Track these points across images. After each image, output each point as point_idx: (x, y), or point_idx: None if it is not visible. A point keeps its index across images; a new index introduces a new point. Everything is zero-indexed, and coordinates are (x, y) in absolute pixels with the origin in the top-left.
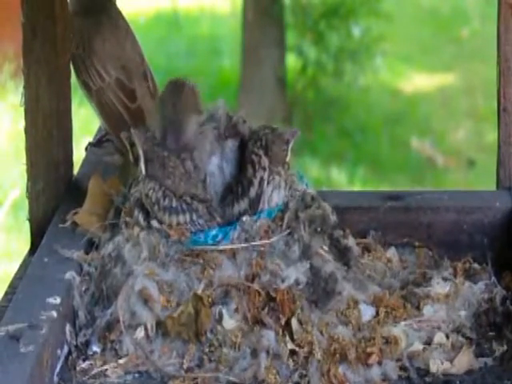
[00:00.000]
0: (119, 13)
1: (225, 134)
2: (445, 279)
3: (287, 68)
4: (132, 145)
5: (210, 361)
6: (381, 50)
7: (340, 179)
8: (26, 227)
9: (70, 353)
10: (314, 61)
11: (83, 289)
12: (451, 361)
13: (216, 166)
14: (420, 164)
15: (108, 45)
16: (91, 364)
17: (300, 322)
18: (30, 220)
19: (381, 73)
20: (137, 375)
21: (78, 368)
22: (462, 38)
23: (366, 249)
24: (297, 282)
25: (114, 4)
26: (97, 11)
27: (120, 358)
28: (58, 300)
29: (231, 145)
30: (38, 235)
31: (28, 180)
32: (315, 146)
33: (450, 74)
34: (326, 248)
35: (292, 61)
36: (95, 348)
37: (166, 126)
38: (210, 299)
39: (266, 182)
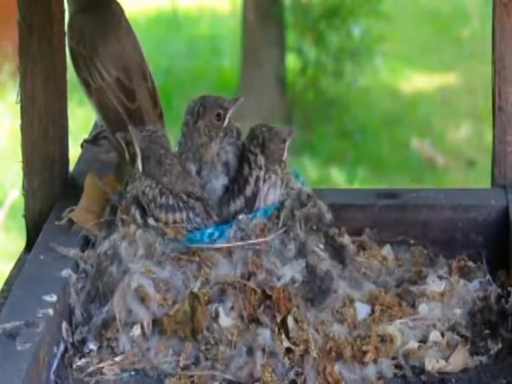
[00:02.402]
0: (121, 10)
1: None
2: (440, 277)
3: (287, 68)
4: (128, 144)
5: (207, 359)
6: (381, 50)
7: (340, 179)
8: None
9: (66, 350)
10: (314, 61)
11: (79, 286)
12: (446, 359)
13: (221, 185)
14: (420, 164)
15: (109, 43)
16: (87, 362)
17: (296, 320)
18: (26, 217)
19: (381, 73)
20: (133, 373)
21: (74, 366)
22: (462, 38)
23: (362, 247)
24: (293, 281)
25: (116, 1)
26: (99, 8)
27: (116, 355)
28: (54, 298)
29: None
30: (33, 232)
31: (24, 177)
32: (315, 146)
33: (450, 74)
34: (321, 246)
35: (292, 61)
36: (91, 346)
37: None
38: (206, 297)
39: (262, 181)
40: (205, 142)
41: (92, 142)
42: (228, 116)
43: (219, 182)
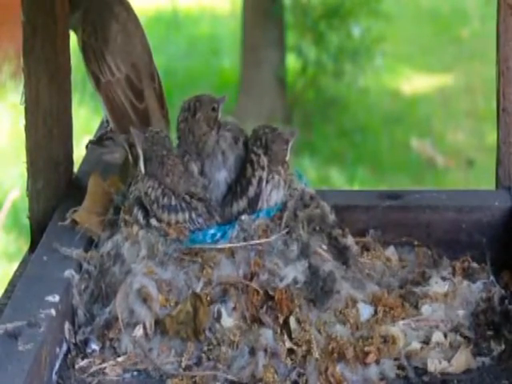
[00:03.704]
0: (129, 5)
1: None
2: (443, 278)
3: (287, 68)
4: (131, 145)
5: (209, 359)
6: (381, 50)
7: (340, 180)
8: (25, 228)
9: (68, 351)
10: (314, 61)
11: (82, 287)
12: (449, 360)
13: (223, 178)
14: (420, 164)
15: (120, 38)
16: (90, 362)
17: (298, 321)
18: (30, 218)
19: (381, 73)
20: (135, 373)
21: (76, 366)
22: (462, 38)
23: (365, 248)
24: (295, 281)
25: None
26: (110, 2)
27: (119, 356)
28: (56, 298)
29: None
30: (37, 233)
31: (28, 178)
32: (315, 146)
33: (450, 75)
34: (324, 247)
35: (292, 61)
36: (94, 346)
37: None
38: (208, 298)
39: (264, 182)
40: (206, 131)
41: (97, 142)
42: (220, 109)
43: (221, 175)
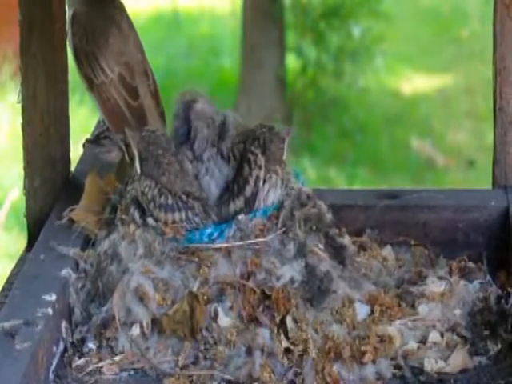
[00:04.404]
0: (122, 6)
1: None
2: (440, 278)
3: (287, 68)
4: (127, 145)
5: (205, 358)
6: (381, 50)
7: (340, 180)
8: (26, 227)
9: (65, 350)
10: (314, 61)
11: (79, 286)
12: (446, 360)
13: (213, 163)
14: (420, 164)
15: (112, 39)
16: (87, 361)
17: (295, 321)
18: (27, 216)
19: (381, 73)
20: (132, 372)
21: (73, 365)
22: (461, 38)
23: (362, 247)
24: (292, 281)
25: None
26: (102, 3)
27: (115, 355)
28: (53, 297)
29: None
30: (35, 232)
31: (25, 177)
32: (315, 147)
33: (450, 75)
34: (321, 246)
35: (292, 61)
36: (91, 345)
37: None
38: (205, 297)
39: (261, 181)
40: None
41: (94, 141)
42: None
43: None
